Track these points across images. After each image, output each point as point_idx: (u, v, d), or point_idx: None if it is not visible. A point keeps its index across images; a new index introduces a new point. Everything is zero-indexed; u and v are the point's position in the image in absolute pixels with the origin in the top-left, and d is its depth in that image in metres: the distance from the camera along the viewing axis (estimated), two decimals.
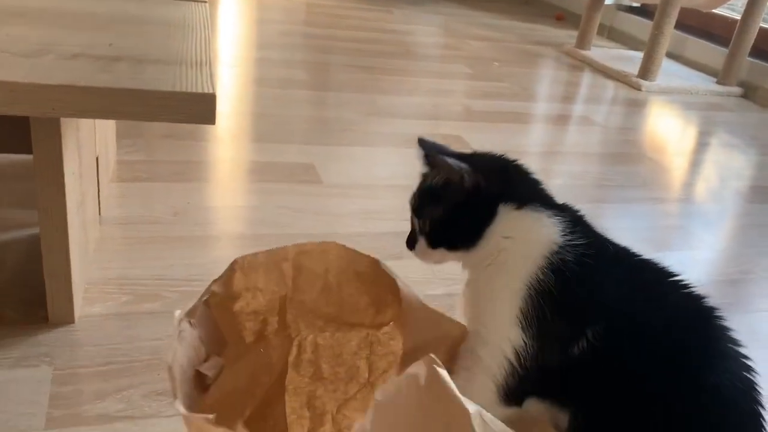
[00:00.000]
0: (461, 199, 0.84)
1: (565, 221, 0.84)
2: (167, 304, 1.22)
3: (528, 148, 2.43)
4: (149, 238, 1.44)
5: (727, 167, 2.60)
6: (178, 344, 0.66)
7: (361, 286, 0.83)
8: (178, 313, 0.70)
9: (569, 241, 0.82)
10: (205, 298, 0.74)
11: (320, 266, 0.83)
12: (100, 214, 1.47)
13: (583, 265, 0.80)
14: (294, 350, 0.83)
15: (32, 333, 1.09)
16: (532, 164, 0.91)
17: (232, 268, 0.78)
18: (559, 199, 0.90)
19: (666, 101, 3.25)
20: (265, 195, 1.73)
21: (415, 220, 0.91)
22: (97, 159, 1.37)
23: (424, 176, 0.90)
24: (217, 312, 0.76)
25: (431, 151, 0.89)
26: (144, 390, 1.00)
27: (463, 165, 0.84)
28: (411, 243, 0.91)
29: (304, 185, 1.83)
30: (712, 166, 2.61)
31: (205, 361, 0.70)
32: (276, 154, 1.97)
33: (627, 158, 2.45)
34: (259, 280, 0.80)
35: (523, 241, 0.83)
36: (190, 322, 0.69)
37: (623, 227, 1.87)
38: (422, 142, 0.93)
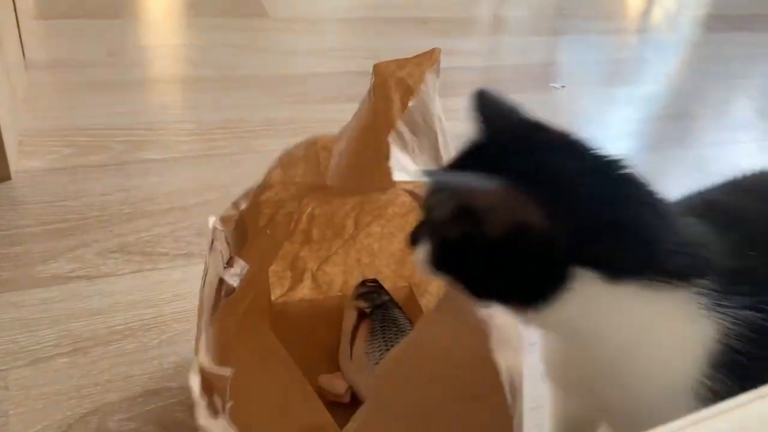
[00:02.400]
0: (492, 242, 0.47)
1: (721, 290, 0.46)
2: (114, 156, 1.14)
3: None
4: (85, 83, 1.32)
5: None
6: (210, 259, 0.62)
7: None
8: (212, 220, 0.65)
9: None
10: (237, 200, 0.69)
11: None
12: (24, 56, 1.33)
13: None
14: (291, 224, 0.80)
15: None
16: None
17: (274, 165, 0.72)
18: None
19: None
20: (206, 31, 1.60)
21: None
22: None
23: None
24: (245, 208, 0.71)
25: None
26: (97, 248, 0.95)
27: (498, 187, 0.44)
28: (414, 238, 0.54)
29: (249, 19, 1.69)
30: None
31: (228, 264, 0.66)
32: None
33: None
34: (298, 173, 0.74)
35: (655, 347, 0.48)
36: (221, 228, 0.65)
37: (581, 60, 1.83)
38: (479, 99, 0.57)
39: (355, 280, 0.87)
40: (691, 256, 0.47)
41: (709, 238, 0.49)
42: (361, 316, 0.81)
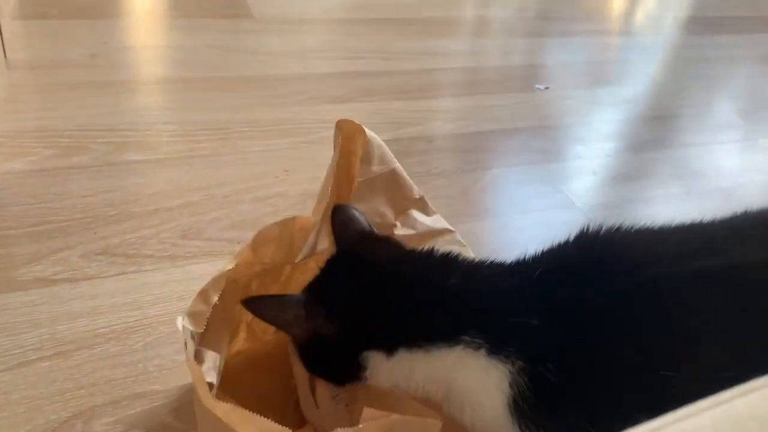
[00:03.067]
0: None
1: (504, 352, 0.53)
2: (97, 157, 1.13)
3: None
4: (67, 84, 1.31)
5: None
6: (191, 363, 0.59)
7: None
8: (180, 320, 0.62)
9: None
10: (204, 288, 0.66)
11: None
12: (5, 57, 1.31)
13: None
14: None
15: None
16: None
17: (245, 245, 0.69)
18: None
19: None
20: (190, 32, 1.59)
21: None
22: None
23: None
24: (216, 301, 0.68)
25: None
26: (81, 250, 0.95)
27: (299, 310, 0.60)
28: None
29: (234, 20, 1.68)
30: None
31: (197, 360, 0.62)
32: None
33: None
34: (267, 254, 0.72)
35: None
36: (189, 327, 0.62)
37: (564, 62, 1.84)
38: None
39: None
40: (452, 317, 0.56)
41: (488, 294, 0.57)
42: None
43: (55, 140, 1.15)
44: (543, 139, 1.43)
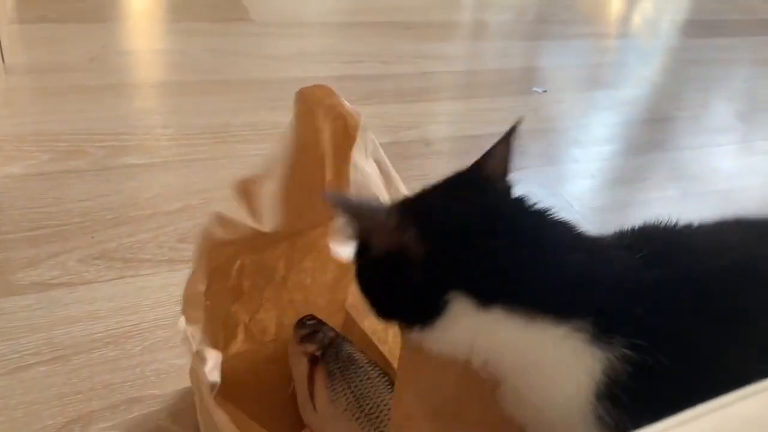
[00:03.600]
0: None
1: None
2: (94, 161, 1.13)
3: None
4: (65, 88, 1.31)
5: (665, 0, 2.55)
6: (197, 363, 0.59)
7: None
8: (181, 320, 0.61)
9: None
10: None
11: None
12: (3, 61, 1.31)
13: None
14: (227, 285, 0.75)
15: None
16: None
17: (209, 229, 0.65)
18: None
19: None
20: (188, 36, 1.59)
21: None
22: None
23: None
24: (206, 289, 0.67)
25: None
26: (79, 254, 0.95)
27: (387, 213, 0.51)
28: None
29: (232, 24, 1.68)
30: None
31: (199, 357, 0.62)
32: None
33: None
34: (235, 229, 0.69)
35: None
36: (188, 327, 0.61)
37: (562, 65, 1.84)
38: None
39: (290, 320, 0.80)
40: (570, 294, 0.48)
41: (608, 276, 0.49)
42: (312, 360, 0.74)
43: (52, 144, 1.15)
44: (541, 142, 1.43)
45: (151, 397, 0.76)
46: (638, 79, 1.87)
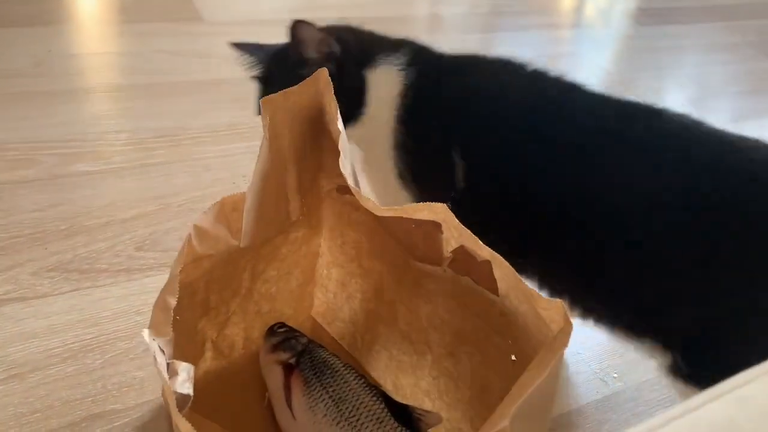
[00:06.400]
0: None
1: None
2: (45, 170, 1.09)
3: None
4: (11, 95, 1.26)
5: None
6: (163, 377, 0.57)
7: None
8: (146, 332, 0.59)
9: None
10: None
11: None
12: None
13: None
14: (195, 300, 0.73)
15: None
16: None
17: (184, 245, 0.64)
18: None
19: None
20: (139, 37, 1.55)
21: None
22: None
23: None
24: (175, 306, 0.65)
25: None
26: (32, 267, 0.91)
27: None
28: None
29: (183, 24, 1.65)
30: None
31: (171, 373, 0.60)
32: None
33: None
34: (210, 245, 0.66)
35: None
36: (155, 339, 0.59)
37: (520, 56, 1.85)
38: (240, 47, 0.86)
39: (258, 332, 0.80)
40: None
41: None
42: (287, 368, 0.73)
43: (0, 154, 1.11)
44: None
45: (113, 412, 0.74)
46: (593, 68, 1.89)
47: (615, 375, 0.88)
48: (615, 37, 2.16)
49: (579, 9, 2.35)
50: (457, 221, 0.60)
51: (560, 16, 2.23)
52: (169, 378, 0.56)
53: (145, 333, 0.58)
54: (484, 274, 0.61)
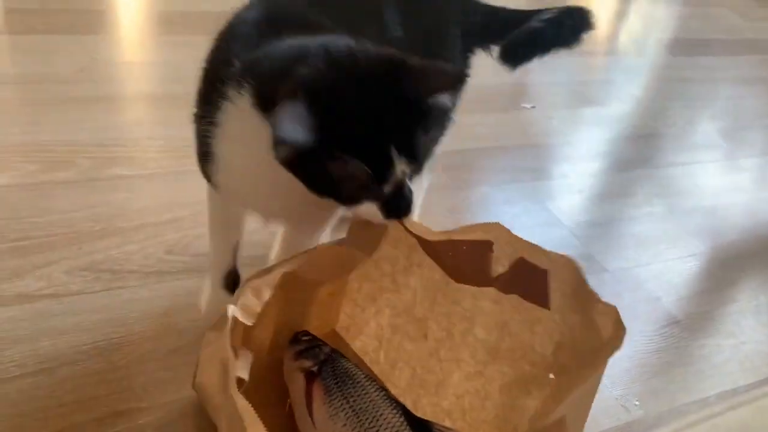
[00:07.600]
0: None
1: None
2: (82, 172, 1.13)
3: None
4: (53, 99, 1.30)
5: (651, 19, 2.59)
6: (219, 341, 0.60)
7: None
8: (231, 308, 0.63)
9: None
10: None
11: None
12: None
13: None
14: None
15: None
16: None
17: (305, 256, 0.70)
18: None
19: None
20: (179, 48, 1.59)
21: None
22: None
23: None
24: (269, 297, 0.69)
25: None
26: (65, 266, 0.94)
27: None
28: None
29: None
30: (637, 18, 2.59)
31: (234, 354, 0.63)
32: (189, 3, 1.80)
33: None
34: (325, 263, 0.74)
35: None
36: (240, 318, 0.63)
37: (552, 82, 1.85)
38: None
39: (284, 337, 0.80)
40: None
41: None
42: (309, 376, 0.74)
43: (39, 155, 1.14)
44: (530, 157, 1.44)
45: (136, 410, 0.76)
46: (625, 96, 1.89)
47: (636, 402, 0.88)
48: (648, 66, 2.16)
49: (613, 37, 2.35)
50: (511, 234, 0.61)
51: (594, 44, 2.23)
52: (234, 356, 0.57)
53: (230, 308, 0.62)
54: (536, 287, 0.62)
